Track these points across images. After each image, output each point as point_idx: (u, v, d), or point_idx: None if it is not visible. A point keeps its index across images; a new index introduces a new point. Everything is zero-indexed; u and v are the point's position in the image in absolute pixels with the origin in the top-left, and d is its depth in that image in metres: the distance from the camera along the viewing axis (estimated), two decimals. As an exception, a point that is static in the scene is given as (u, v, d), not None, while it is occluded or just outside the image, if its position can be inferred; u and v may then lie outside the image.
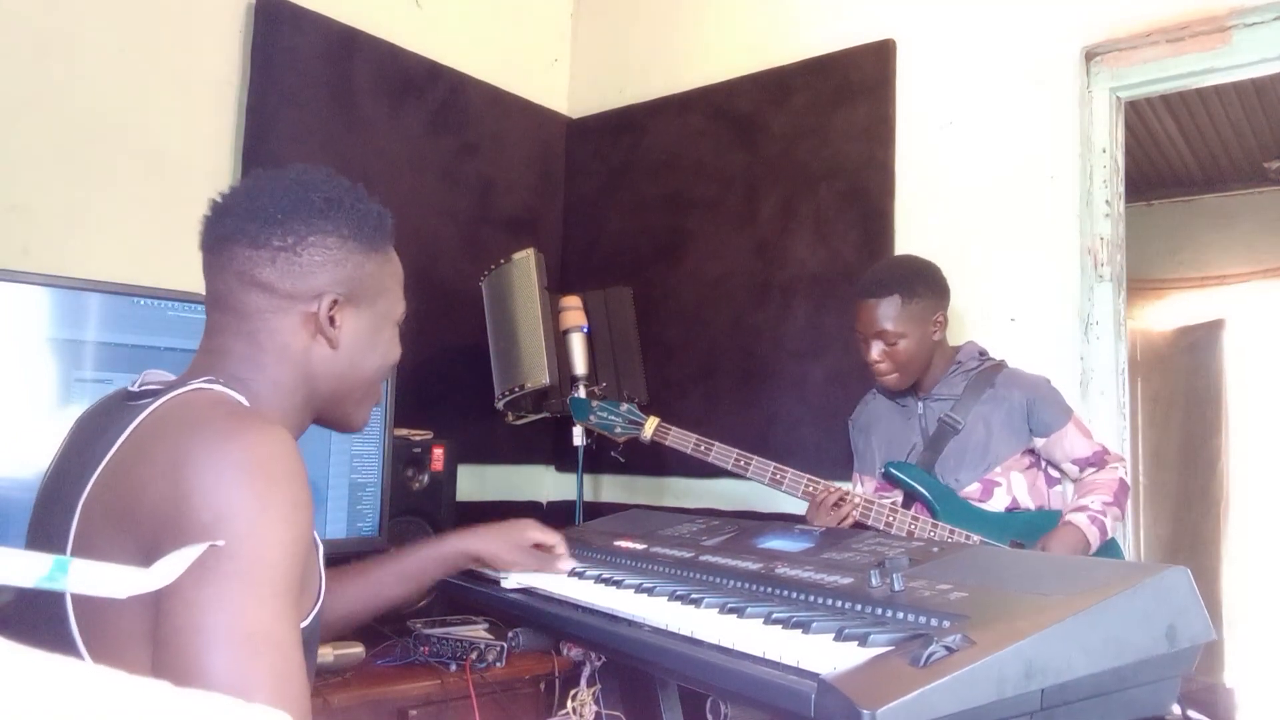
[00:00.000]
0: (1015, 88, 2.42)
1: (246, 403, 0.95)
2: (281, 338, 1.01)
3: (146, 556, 0.77)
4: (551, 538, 1.49)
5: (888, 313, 1.98)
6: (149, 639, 0.78)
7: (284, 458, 0.84)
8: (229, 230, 1.00)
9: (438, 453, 2.29)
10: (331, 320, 1.03)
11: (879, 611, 1.03)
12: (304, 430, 1.06)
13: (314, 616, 0.97)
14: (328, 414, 1.08)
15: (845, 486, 2.05)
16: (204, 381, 0.95)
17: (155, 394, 0.92)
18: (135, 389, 0.97)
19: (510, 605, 1.42)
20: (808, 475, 2.01)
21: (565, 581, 1.40)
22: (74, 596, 0.83)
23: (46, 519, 0.93)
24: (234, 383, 0.97)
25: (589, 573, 1.42)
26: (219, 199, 1.04)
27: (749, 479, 2.06)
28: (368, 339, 1.07)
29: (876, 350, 2.01)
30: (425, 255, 2.83)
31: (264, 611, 0.76)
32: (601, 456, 2.66)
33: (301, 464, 0.86)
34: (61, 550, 0.85)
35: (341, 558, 1.77)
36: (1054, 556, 1.66)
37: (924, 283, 2.03)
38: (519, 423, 2.75)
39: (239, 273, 1.00)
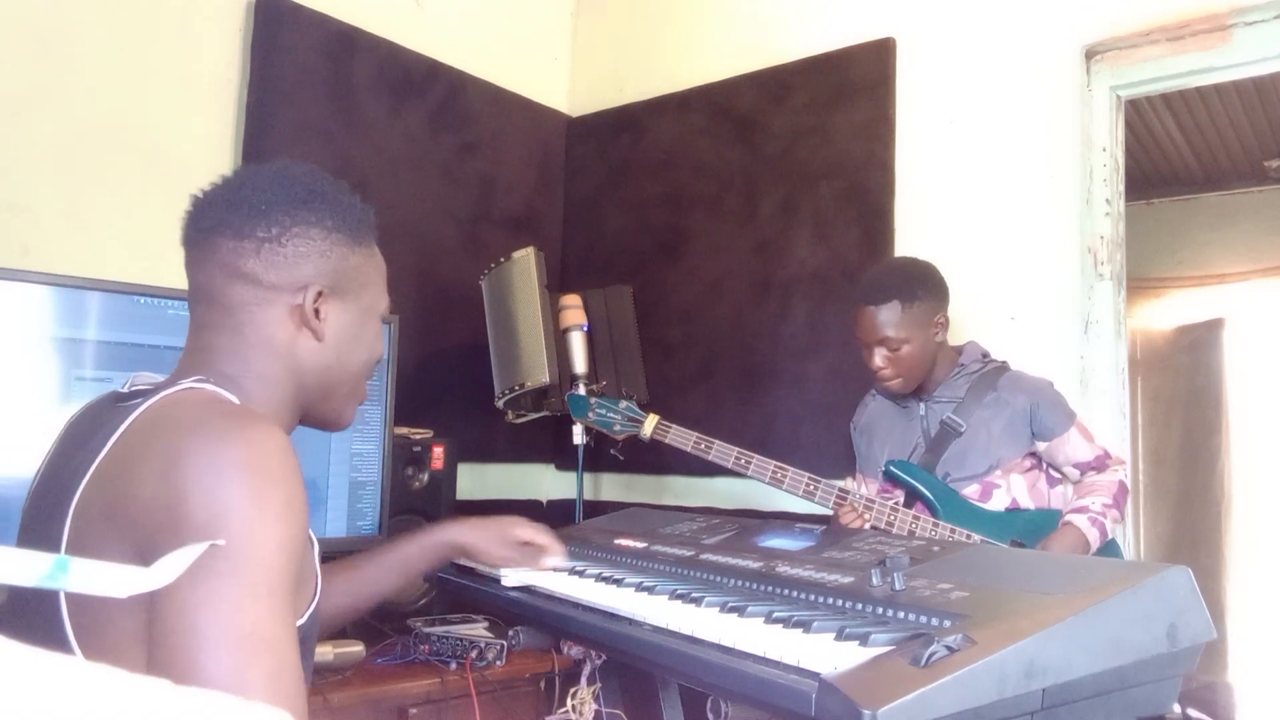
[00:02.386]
0: (1015, 87, 2.42)
1: (237, 401, 0.95)
2: (267, 330, 1.00)
3: (142, 556, 0.77)
4: (541, 537, 1.48)
5: (889, 319, 1.96)
6: (144, 639, 0.78)
7: (278, 455, 0.84)
8: (212, 223, 1.00)
9: (438, 451, 2.29)
10: (316, 312, 1.02)
11: (880, 611, 1.03)
12: (293, 428, 1.06)
13: (310, 614, 0.97)
14: (315, 410, 1.08)
15: (838, 484, 2.05)
16: (194, 381, 0.94)
17: (145, 395, 0.92)
18: (125, 390, 0.97)
19: (510, 604, 1.42)
20: (808, 474, 2.01)
21: (566, 580, 1.40)
22: (68, 596, 0.83)
23: (37, 522, 0.93)
24: (223, 380, 0.96)
25: (589, 571, 1.42)
26: (199, 194, 1.04)
27: (749, 477, 2.06)
28: (353, 332, 1.07)
29: (879, 357, 1.99)
30: (425, 255, 2.83)
31: (260, 610, 0.76)
32: (601, 455, 2.66)
33: (296, 461, 0.86)
34: (55, 552, 0.85)
35: (341, 556, 1.76)
36: (1055, 555, 1.66)
37: (923, 286, 2.01)
38: (519, 421, 2.75)
39: (223, 264, 0.99)
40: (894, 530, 1.92)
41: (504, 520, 1.48)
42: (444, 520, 1.50)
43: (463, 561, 1.51)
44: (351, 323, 1.06)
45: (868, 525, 1.93)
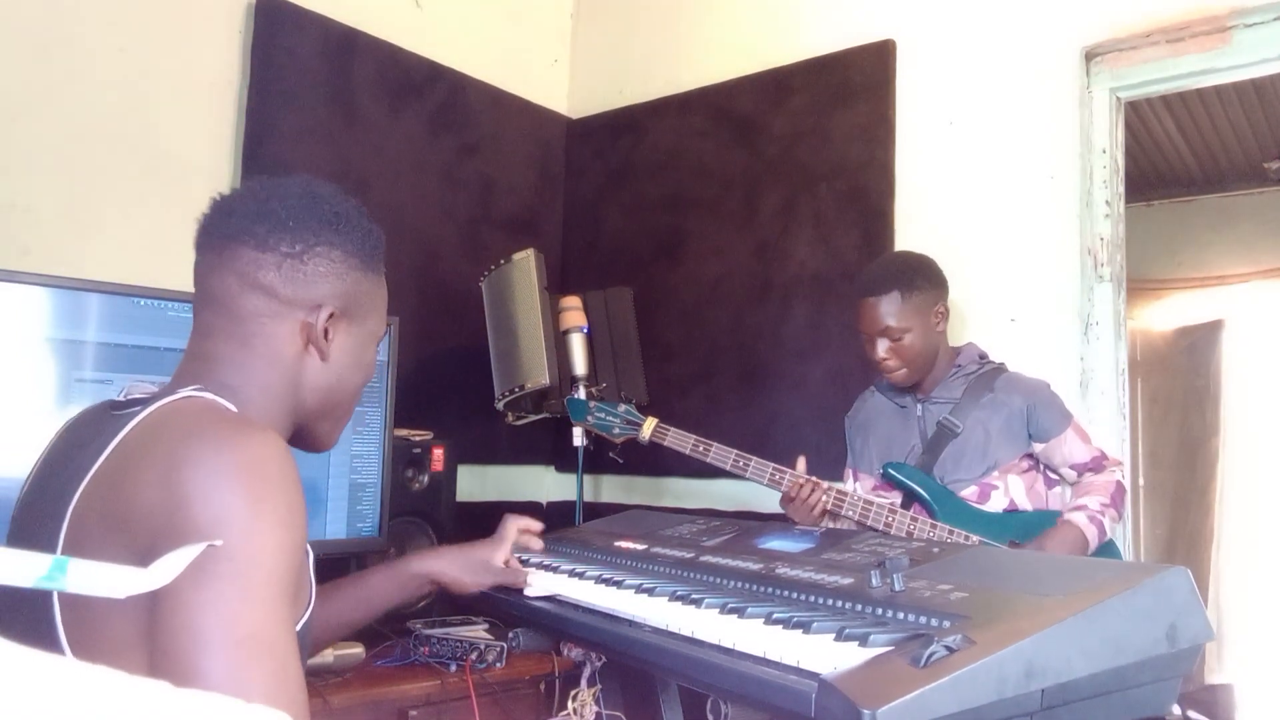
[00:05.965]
0: (1015, 88, 2.42)
1: (235, 410, 0.95)
2: (275, 344, 1.00)
3: (142, 562, 0.76)
4: (513, 560, 1.49)
5: (889, 309, 1.98)
6: (137, 643, 0.78)
7: (278, 461, 0.84)
8: (234, 230, 1.00)
9: (438, 453, 2.29)
10: (326, 332, 1.03)
11: (879, 612, 1.03)
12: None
13: (304, 623, 0.97)
14: (306, 430, 1.08)
15: (838, 486, 2.05)
16: (193, 390, 0.94)
17: (142, 403, 0.92)
18: (121, 399, 0.96)
19: (511, 606, 1.42)
20: (805, 476, 2.01)
21: (566, 581, 1.40)
22: (61, 600, 0.83)
23: (29, 527, 0.93)
24: (223, 390, 0.96)
25: (590, 573, 1.42)
26: (220, 198, 1.04)
27: (748, 479, 2.06)
28: (355, 355, 1.08)
29: (883, 348, 2.01)
30: (425, 255, 2.83)
31: (259, 613, 0.76)
32: (601, 457, 2.66)
33: (295, 468, 0.86)
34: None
35: (342, 558, 1.76)
36: (1054, 557, 1.66)
37: (922, 275, 2.03)
38: (519, 423, 2.75)
39: (240, 274, 0.99)
40: (892, 531, 1.92)
41: (477, 547, 1.48)
42: (453, 529, 1.49)
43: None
44: (355, 346, 1.07)
45: (821, 506, 1.93)
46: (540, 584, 1.43)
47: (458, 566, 1.44)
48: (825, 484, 1.97)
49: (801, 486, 1.95)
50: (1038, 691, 0.85)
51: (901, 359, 2.01)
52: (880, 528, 1.93)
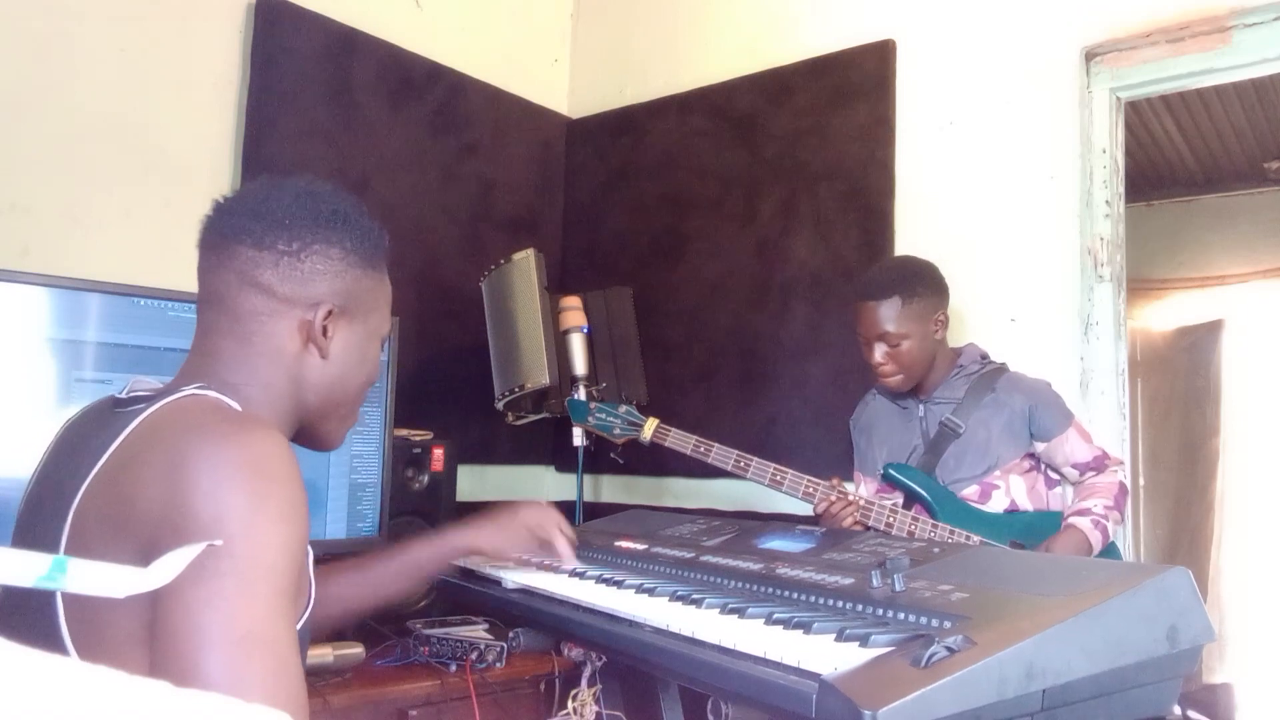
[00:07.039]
0: (1015, 88, 2.42)
1: (239, 408, 0.95)
2: (275, 341, 1.01)
3: (144, 558, 0.77)
4: (557, 537, 1.48)
5: (888, 314, 1.98)
6: (140, 641, 0.78)
7: (279, 459, 0.84)
8: (233, 229, 1.01)
9: (438, 453, 2.29)
10: (325, 330, 1.03)
11: (880, 612, 1.03)
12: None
13: (304, 621, 0.97)
14: (310, 429, 1.09)
15: (848, 487, 2.05)
16: (196, 388, 0.95)
17: (145, 400, 0.92)
18: (123, 396, 0.97)
19: (510, 605, 1.42)
20: (808, 476, 2.01)
21: (566, 581, 1.40)
22: (65, 598, 0.83)
23: (34, 525, 0.93)
24: (225, 388, 0.96)
25: (590, 573, 1.42)
26: (223, 199, 1.05)
27: (749, 480, 2.06)
28: (357, 354, 1.08)
29: (879, 353, 2.01)
30: (425, 255, 2.83)
31: (260, 610, 0.77)
32: (601, 457, 2.66)
33: (297, 465, 0.86)
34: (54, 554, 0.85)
35: (341, 558, 1.76)
36: (1055, 557, 1.67)
37: (923, 283, 2.02)
38: (519, 423, 2.75)
39: (239, 272, 1.00)
40: (894, 532, 1.92)
41: (519, 518, 1.48)
42: (453, 522, 1.50)
43: (461, 562, 1.50)
44: (356, 344, 1.08)
45: (855, 516, 1.92)
46: (515, 576, 1.44)
47: (505, 542, 1.45)
48: (860, 500, 1.95)
49: (833, 503, 1.94)
50: (1038, 692, 0.84)
51: (898, 364, 2.01)
52: (881, 528, 1.93)
